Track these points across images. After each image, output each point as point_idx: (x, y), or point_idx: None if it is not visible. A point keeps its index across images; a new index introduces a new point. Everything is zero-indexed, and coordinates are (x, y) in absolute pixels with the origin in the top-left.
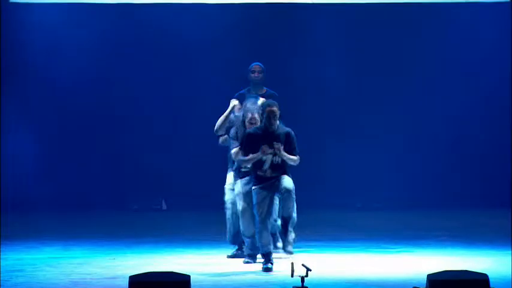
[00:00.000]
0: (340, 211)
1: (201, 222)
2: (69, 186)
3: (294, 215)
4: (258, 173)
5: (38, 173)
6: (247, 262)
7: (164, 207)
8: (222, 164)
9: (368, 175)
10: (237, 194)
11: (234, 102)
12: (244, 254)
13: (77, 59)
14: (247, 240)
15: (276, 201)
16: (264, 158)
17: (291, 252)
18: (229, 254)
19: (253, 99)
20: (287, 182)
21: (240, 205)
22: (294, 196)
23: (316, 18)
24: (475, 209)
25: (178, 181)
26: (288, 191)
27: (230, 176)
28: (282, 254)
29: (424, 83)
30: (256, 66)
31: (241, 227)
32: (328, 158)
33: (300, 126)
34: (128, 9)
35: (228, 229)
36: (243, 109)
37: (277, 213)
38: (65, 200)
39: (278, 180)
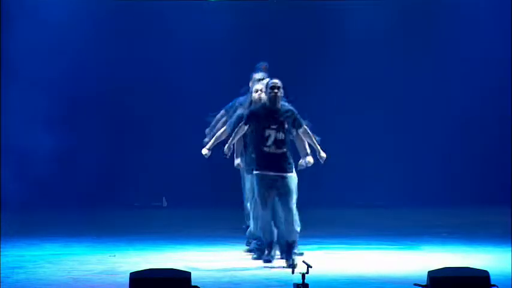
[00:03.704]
0: (341, 208)
1: (201, 219)
2: (69, 183)
3: (298, 228)
4: (262, 148)
5: (39, 171)
6: (256, 258)
7: (165, 204)
8: (223, 162)
9: (369, 173)
10: (249, 190)
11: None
12: (251, 247)
13: (77, 56)
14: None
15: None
16: (268, 133)
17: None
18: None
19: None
20: (288, 202)
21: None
22: (296, 218)
23: (317, 15)
24: (476, 206)
25: (179, 178)
26: (289, 216)
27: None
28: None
29: (425, 82)
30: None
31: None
32: (329, 155)
33: None
34: (128, 7)
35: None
36: (253, 83)
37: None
38: (65, 197)
39: (283, 181)
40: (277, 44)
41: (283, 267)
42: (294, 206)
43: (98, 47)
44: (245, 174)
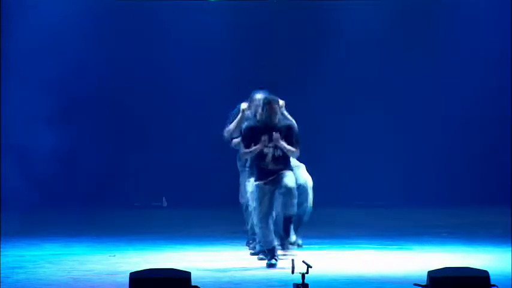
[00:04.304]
0: (341, 208)
1: (201, 219)
2: (70, 183)
3: (309, 207)
4: (260, 165)
5: (39, 171)
6: (261, 258)
7: (165, 204)
8: (223, 161)
9: (369, 173)
10: (251, 193)
11: (244, 105)
12: (256, 250)
13: (77, 56)
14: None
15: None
16: (266, 151)
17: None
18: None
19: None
20: (288, 179)
21: (253, 203)
22: (296, 193)
23: (317, 15)
24: (476, 206)
25: (179, 178)
26: (288, 189)
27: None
28: (281, 252)
29: (425, 82)
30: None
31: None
32: (330, 155)
33: (301, 123)
34: (128, 7)
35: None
36: (253, 103)
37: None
38: (65, 197)
39: (280, 176)
40: (276, 44)
41: (280, 259)
42: (293, 187)
43: (98, 47)
44: (246, 176)
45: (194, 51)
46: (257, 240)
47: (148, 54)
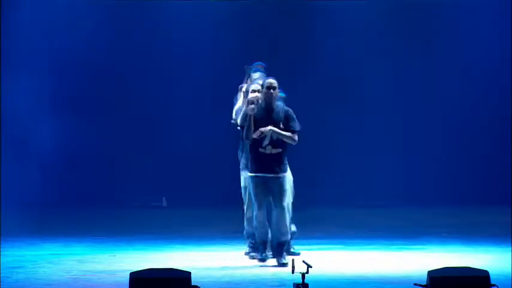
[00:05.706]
0: (341, 208)
1: (201, 219)
2: (70, 183)
3: (293, 229)
4: (258, 150)
5: (39, 170)
6: (253, 257)
7: (164, 204)
8: (222, 161)
9: (369, 173)
10: (244, 188)
11: (243, 89)
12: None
13: (76, 56)
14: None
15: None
16: (263, 134)
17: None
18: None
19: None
20: (283, 196)
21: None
22: (288, 215)
23: (315, 15)
24: (476, 206)
25: (179, 178)
26: (282, 209)
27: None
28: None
29: (425, 81)
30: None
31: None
32: (330, 155)
33: (301, 123)
34: (129, 6)
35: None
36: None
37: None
38: (65, 196)
39: (277, 180)
40: (276, 44)
41: (276, 265)
42: (287, 206)
43: (96, 49)
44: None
45: (194, 51)
46: (249, 236)
47: (148, 55)
